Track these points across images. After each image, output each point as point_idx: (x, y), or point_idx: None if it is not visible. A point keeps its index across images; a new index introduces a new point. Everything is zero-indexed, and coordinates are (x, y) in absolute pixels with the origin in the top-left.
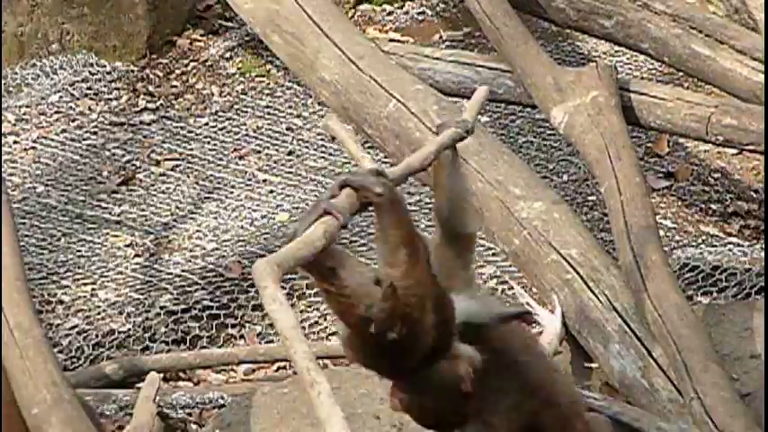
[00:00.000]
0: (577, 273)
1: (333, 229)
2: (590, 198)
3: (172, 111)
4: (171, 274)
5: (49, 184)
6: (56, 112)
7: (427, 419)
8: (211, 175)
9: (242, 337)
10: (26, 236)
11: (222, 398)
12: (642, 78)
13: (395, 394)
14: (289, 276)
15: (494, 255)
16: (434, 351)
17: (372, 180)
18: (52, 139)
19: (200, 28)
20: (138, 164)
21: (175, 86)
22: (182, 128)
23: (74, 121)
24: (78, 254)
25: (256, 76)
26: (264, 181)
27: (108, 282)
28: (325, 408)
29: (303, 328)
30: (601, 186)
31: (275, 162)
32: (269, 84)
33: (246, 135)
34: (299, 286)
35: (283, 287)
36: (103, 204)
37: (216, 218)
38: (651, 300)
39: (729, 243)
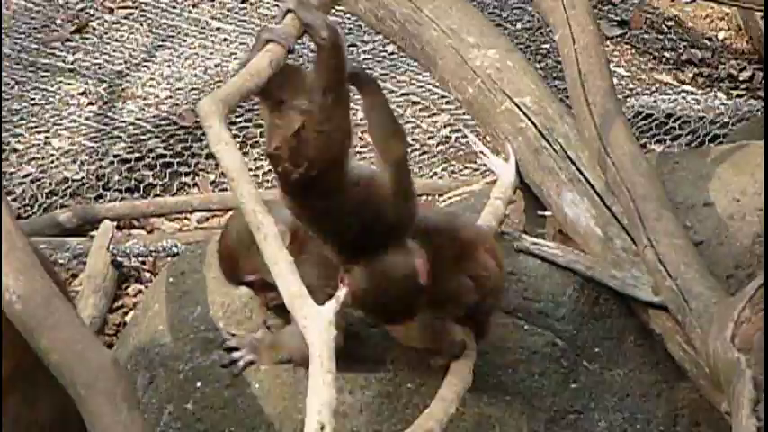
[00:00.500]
0: (531, 121)
1: (279, 57)
2: (543, 46)
3: None
4: (124, 122)
5: (2, 32)
6: None
7: (380, 312)
8: (165, 23)
9: (195, 185)
10: None
11: (176, 246)
12: None
13: (347, 284)
14: (242, 123)
15: (447, 103)
16: (385, 231)
17: (320, 22)
18: None
19: None
20: (91, 12)
21: None
22: None
23: None
24: (32, 102)
25: None
26: (218, 29)
27: (61, 130)
28: (272, 250)
29: (256, 176)
30: (554, 34)
31: (229, 10)
32: None
33: None
34: (252, 134)
35: (236, 136)
36: (57, 52)
37: (170, 66)
38: (605, 148)
39: (683, 91)
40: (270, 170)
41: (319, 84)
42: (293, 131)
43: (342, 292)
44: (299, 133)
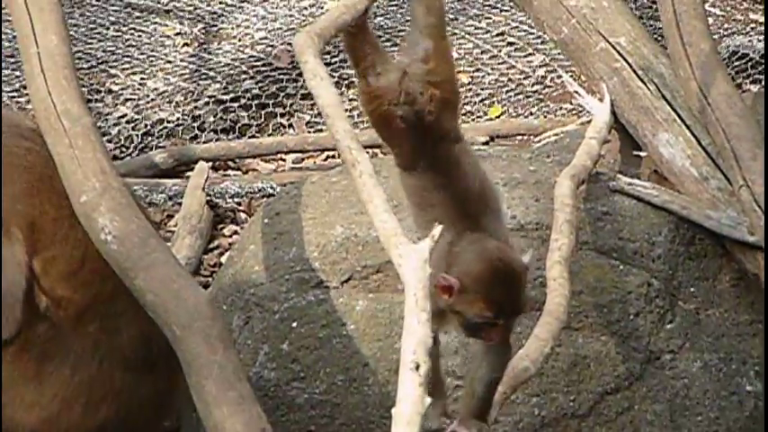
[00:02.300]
0: (626, 61)
1: None
2: None
3: None
4: (220, 62)
5: None
6: None
7: None
8: None
9: (291, 126)
10: (74, 24)
11: (271, 187)
12: None
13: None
14: (338, 64)
15: (543, 43)
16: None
17: None
18: None
19: None
20: None
21: None
22: None
23: None
24: (127, 43)
25: None
26: None
27: (157, 71)
28: (367, 188)
29: (352, 117)
30: None
31: None
32: None
33: None
34: (347, 75)
35: (332, 76)
36: None
37: (264, 7)
38: (700, 88)
39: None
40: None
41: (429, 28)
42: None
43: (437, 230)
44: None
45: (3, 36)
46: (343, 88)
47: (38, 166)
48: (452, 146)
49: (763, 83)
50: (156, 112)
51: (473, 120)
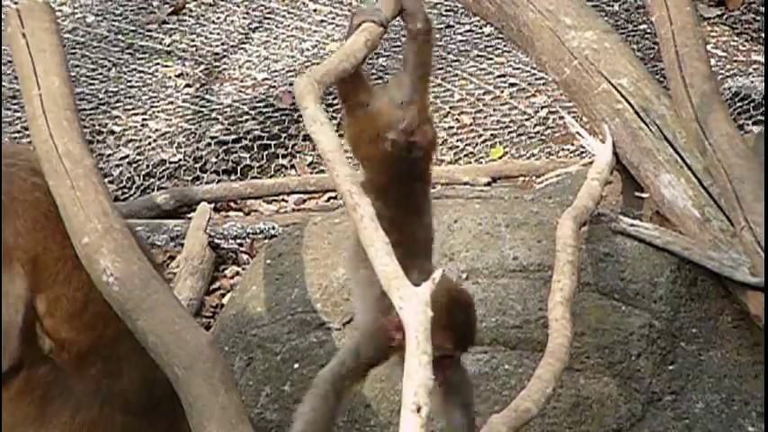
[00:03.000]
0: (628, 102)
1: (374, 37)
2: (640, 27)
3: None
4: (222, 104)
5: (99, 14)
6: None
7: None
8: (261, 5)
9: (293, 167)
10: (76, 66)
11: (273, 228)
12: None
13: None
14: (339, 106)
15: (545, 84)
16: None
17: (420, 12)
18: None
19: None
20: None
21: None
22: None
23: None
24: (129, 84)
25: None
26: (315, 10)
27: (159, 112)
28: (368, 232)
29: (350, 159)
30: (652, 15)
31: None
32: None
33: None
34: None
35: (333, 118)
36: (154, 34)
37: (266, 48)
38: (702, 129)
39: None
40: None
41: (418, 74)
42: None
43: (438, 274)
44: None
45: (4, 77)
46: (343, 129)
47: (44, 203)
48: (422, 189)
49: (765, 124)
50: (157, 153)
51: (475, 161)
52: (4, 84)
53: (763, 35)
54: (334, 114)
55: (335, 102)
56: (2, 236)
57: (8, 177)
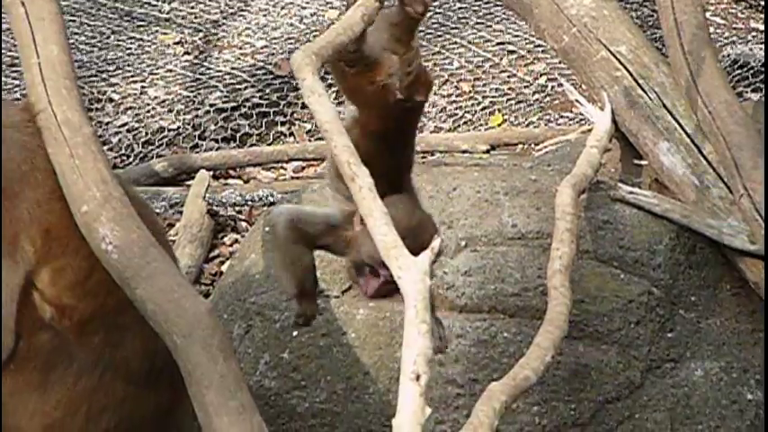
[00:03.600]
0: (627, 70)
1: (370, 11)
2: None
3: None
4: (220, 71)
5: None
6: None
7: None
8: None
9: (291, 134)
10: (75, 33)
11: (272, 195)
12: None
13: None
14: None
15: (543, 52)
16: None
17: None
18: None
19: None
20: None
21: None
22: None
23: None
24: (128, 51)
25: None
26: None
27: (157, 79)
28: (367, 202)
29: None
30: None
31: None
32: None
33: None
34: None
35: (330, 86)
36: (152, 2)
37: (265, 15)
38: (701, 96)
39: None
40: None
41: (407, 32)
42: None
43: (437, 243)
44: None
45: (4, 44)
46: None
47: None
48: (411, 136)
49: (763, 91)
50: (156, 121)
51: (474, 128)
52: (3, 51)
53: (763, 2)
54: (331, 83)
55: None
56: (14, 212)
57: (30, 139)
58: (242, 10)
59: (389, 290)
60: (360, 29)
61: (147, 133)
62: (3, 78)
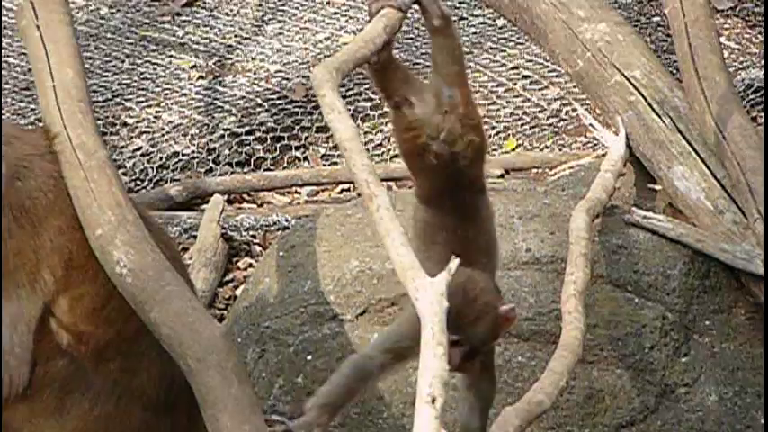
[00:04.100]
0: (641, 94)
1: (393, 22)
2: (654, 19)
3: None
4: (234, 96)
5: (112, 6)
6: None
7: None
8: None
9: (306, 159)
10: (90, 58)
11: (286, 220)
12: None
13: None
14: (353, 97)
15: (558, 76)
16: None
17: (435, 7)
18: None
19: None
20: None
21: None
22: None
23: None
24: (142, 76)
25: None
26: (328, 2)
27: (172, 104)
28: (385, 222)
29: (367, 150)
30: (665, 8)
31: None
32: None
33: None
34: (362, 108)
35: (348, 108)
36: (167, 26)
37: (279, 40)
38: (715, 121)
39: None
40: (380, 144)
41: (449, 72)
42: (452, 116)
43: (453, 264)
44: (453, 118)
45: (19, 68)
46: (359, 121)
47: None
48: (475, 196)
49: None
50: (171, 145)
51: (488, 153)
52: (17, 75)
53: None
54: (349, 105)
55: (350, 94)
56: (37, 241)
57: (52, 171)
58: (256, 34)
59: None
60: (382, 41)
61: (161, 157)
62: (18, 103)
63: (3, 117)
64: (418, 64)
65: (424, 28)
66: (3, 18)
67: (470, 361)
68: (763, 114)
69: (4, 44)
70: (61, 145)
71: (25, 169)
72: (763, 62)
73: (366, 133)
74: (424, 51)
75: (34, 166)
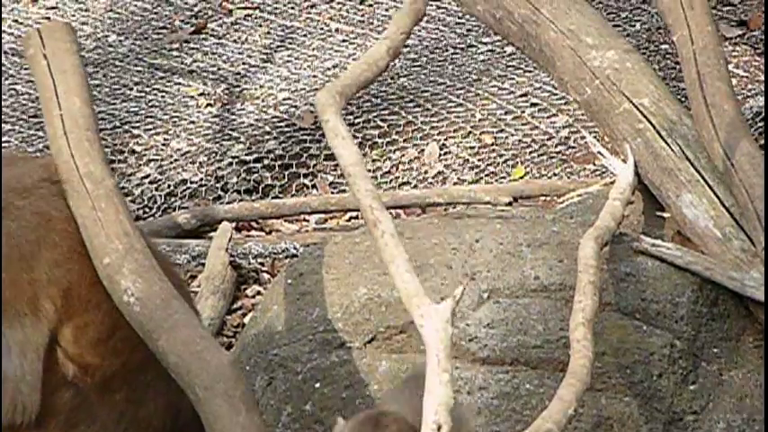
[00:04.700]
0: (650, 122)
1: (396, 44)
2: (662, 47)
3: None
4: (243, 123)
5: (121, 33)
6: None
7: None
8: (283, 25)
9: (314, 186)
10: (98, 86)
11: (295, 247)
12: None
13: None
14: (361, 125)
15: (566, 104)
16: None
17: None
18: None
19: None
20: (210, 13)
21: None
22: None
23: None
24: (150, 103)
25: None
26: (336, 30)
27: (180, 131)
28: (389, 248)
29: (375, 178)
30: (673, 35)
31: (347, 11)
32: None
33: None
34: (370, 135)
35: (356, 137)
36: (175, 54)
37: (288, 67)
38: (724, 149)
39: None
40: (388, 172)
41: None
42: None
43: (459, 291)
44: None
45: (27, 95)
46: (367, 149)
47: (79, 231)
48: None
49: None
50: (179, 173)
51: (496, 180)
52: (25, 103)
53: None
54: (357, 133)
55: (358, 121)
56: (32, 274)
57: (45, 201)
58: (264, 62)
59: None
60: (385, 63)
61: (169, 185)
62: (26, 131)
63: (11, 145)
64: (426, 91)
65: (430, 54)
66: (11, 45)
67: None
68: None
69: (12, 72)
70: (68, 173)
71: (8, 208)
72: None
73: (374, 161)
74: (431, 79)
75: (19, 206)
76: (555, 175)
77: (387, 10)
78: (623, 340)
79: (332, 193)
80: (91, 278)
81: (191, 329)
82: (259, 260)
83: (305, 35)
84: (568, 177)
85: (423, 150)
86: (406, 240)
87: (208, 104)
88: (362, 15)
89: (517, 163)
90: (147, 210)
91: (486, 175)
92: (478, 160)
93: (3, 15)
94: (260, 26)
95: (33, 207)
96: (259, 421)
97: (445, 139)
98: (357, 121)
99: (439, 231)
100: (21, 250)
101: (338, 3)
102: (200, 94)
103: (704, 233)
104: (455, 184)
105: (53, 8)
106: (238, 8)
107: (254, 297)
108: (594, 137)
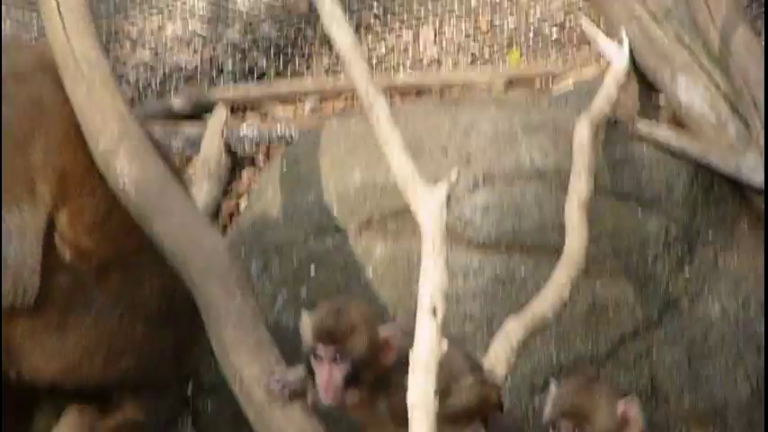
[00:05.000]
0: (645, 6)
1: None
2: None
3: None
4: (238, 8)
5: None
6: None
7: None
8: None
9: (309, 69)
10: None
11: (290, 132)
12: None
13: None
14: (357, 8)
15: None
16: None
17: None
18: None
19: None
20: None
21: None
22: None
23: None
24: None
25: None
26: None
27: (176, 16)
28: (384, 130)
29: (370, 62)
30: None
31: None
32: None
33: None
34: (366, 20)
35: (352, 20)
36: None
37: None
38: (719, 33)
39: None
40: (384, 56)
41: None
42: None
43: (454, 174)
44: None
45: None
46: (363, 33)
47: (74, 116)
48: None
49: None
50: (174, 57)
51: (492, 64)
52: None
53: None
54: (358, 24)
55: (355, 7)
56: (28, 159)
57: (38, 88)
58: None
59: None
60: None
61: (164, 70)
62: (21, 15)
63: (3, 29)
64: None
65: None
66: None
67: (356, 388)
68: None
69: None
70: (63, 57)
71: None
72: None
73: (370, 48)
74: None
75: (13, 92)
76: (550, 58)
77: None
78: (618, 225)
79: (327, 77)
80: (86, 163)
81: (186, 214)
82: (254, 144)
83: None
84: (564, 61)
85: (418, 35)
86: (401, 125)
87: None
88: None
89: (512, 47)
90: (141, 94)
91: (482, 60)
92: (474, 44)
93: None
94: None
95: (28, 94)
96: (254, 305)
97: (441, 24)
98: (353, 5)
99: (434, 115)
100: (16, 136)
101: None
102: None
103: (699, 118)
104: (451, 68)
105: None
106: None
107: (249, 182)
108: (590, 20)
